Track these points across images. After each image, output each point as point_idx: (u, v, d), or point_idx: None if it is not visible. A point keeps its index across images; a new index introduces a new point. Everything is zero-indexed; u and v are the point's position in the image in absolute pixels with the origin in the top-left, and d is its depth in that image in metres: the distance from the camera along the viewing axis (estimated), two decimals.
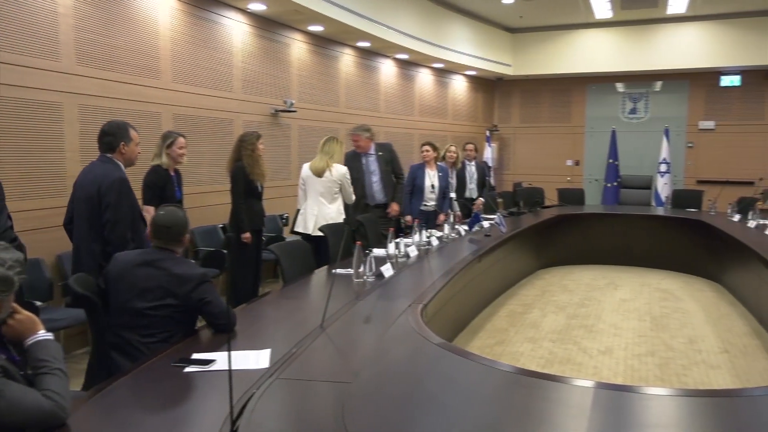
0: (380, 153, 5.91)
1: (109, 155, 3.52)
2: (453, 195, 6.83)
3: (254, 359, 2.35)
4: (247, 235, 4.94)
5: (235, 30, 6.54)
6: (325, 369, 2.41)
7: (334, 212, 5.23)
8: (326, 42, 8.06)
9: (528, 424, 1.94)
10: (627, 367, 4.26)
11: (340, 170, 5.29)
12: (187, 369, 2.27)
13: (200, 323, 2.90)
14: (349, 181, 5.36)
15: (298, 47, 7.55)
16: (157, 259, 2.73)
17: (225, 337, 2.58)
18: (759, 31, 9.88)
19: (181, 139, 4.53)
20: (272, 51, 7.13)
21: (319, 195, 5.24)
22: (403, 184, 6.12)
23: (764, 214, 6.98)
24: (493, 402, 2.15)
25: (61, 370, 1.85)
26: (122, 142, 3.51)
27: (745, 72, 10.61)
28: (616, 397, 2.14)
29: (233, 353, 2.21)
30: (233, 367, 1.85)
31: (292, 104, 7.19)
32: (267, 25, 7.00)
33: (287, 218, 6.63)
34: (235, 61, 6.54)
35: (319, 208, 5.21)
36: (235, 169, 4.97)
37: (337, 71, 8.35)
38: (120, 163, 3.54)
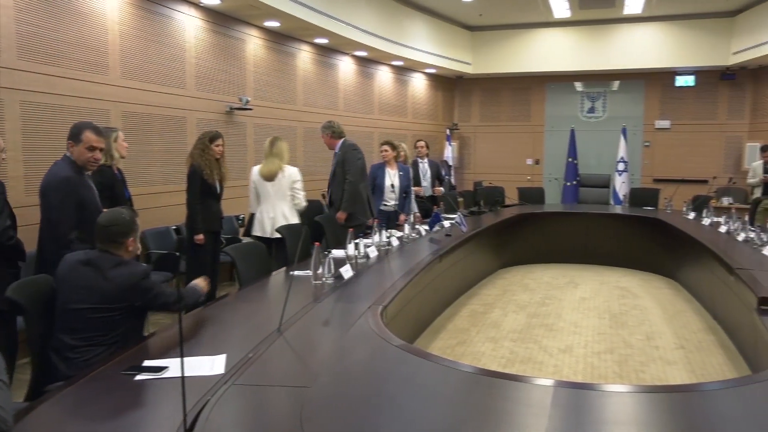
0: (339, 152, 5.85)
1: (68, 153, 3.50)
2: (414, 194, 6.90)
3: (209, 365, 2.32)
4: (200, 236, 4.87)
5: (188, 24, 6.43)
6: (283, 373, 2.39)
7: (289, 212, 5.27)
8: (283, 38, 8.00)
9: (488, 424, 1.97)
10: (587, 364, 4.35)
11: (291, 171, 5.32)
12: (138, 377, 2.23)
13: (152, 329, 2.85)
14: (301, 184, 5.37)
15: (253, 43, 7.47)
16: (95, 259, 2.69)
17: (178, 343, 2.54)
18: (712, 33, 10.24)
19: (120, 133, 4.47)
20: (227, 47, 7.04)
21: (272, 197, 5.27)
22: (348, 188, 5.63)
23: (718, 212, 7.24)
24: (453, 403, 2.17)
25: (3, 381, 1.78)
26: (70, 141, 3.46)
27: (698, 72, 10.98)
28: (575, 395, 2.19)
29: (187, 360, 2.17)
30: (187, 374, 1.82)
31: (247, 102, 7.12)
32: (221, 20, 6.91)
33: (243, 219, 6.56)
34: (187, 56, 6.43)
35: (275, 211, 5.24)
36: (190, 169, 4.91)
37: (294, 68, 8.29)
38: (74, 161, 3.47)
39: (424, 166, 7.62)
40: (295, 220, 5.31)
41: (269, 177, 5.26)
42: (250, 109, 7.20)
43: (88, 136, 3.46)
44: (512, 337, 4.92)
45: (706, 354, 4.56)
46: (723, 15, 10.13)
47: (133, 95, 5.74)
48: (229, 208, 6.19)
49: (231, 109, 7.03)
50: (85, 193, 3.44)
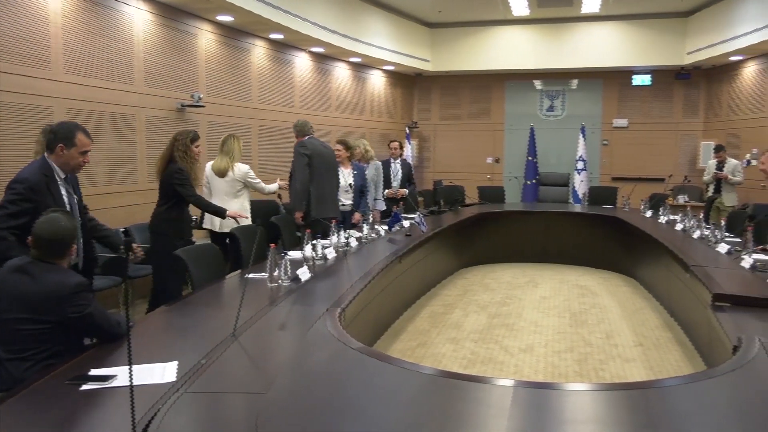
0: None
1: (45, 154, 3.38)
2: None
3: (160, 373, 2.28)
4: (235, 212, 5.06)
5: (136, 18, 6.29)
6: (238, 380, 2.36)
7: (238, 208, 5.41)
8: (237, 33, 7.91)
9: (448, 426, 1.98)
10: (547, 364, 4.43)
11: (242, 169, 5.59)
12: (85, 386, 2.17)
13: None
14: (253, 178, 5.64)
15: (206, 38, 7.36)
16: (27, 266, 2.59)
17: (126, 350, 2.47)
18: (667, 33, 10.56)
19: None
20: (178, 41, 6.92)
21: (222, 193, 5.54)
22: (297, 186, 5.63)
23: (674, 210, 7.46)
24: (413, 405, 2.18)
25: None
26: (61, 144, 3.33)
27: (655, 72, 11.30)
28: (535, 395, 2.23)
29: (136, 367, 2.13)
30: (136, 382, 1.79)
31: (199, 98, 7.01)
32: (171, 13, 6.78)
33: (196, 219, 6.46)
34: (136, 51, 6.30)
35: (223, 206, 5.27)
36: (176, 169, 4.67)
37: (248, 64, 8.21)
38: (52, 165, 3.34)
39: (396, 167, 7.68)
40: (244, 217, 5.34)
41: (219, 173, 5.54)
42: (203, 107, 7.09)
43: (82, 139, 3.36)
44: (473, 338, 4.98)
45: (663, 351, 4.70)
46: (677, 15, 10.46)
47: (77, 91, 5.59)
48: None
49: (182, 106, 6.91)
50: (48, 200, 3.27)
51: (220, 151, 5.61)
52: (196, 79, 7.22)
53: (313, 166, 5.66)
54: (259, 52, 8.39)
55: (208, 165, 5.65)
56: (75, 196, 3.47)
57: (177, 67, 6.91)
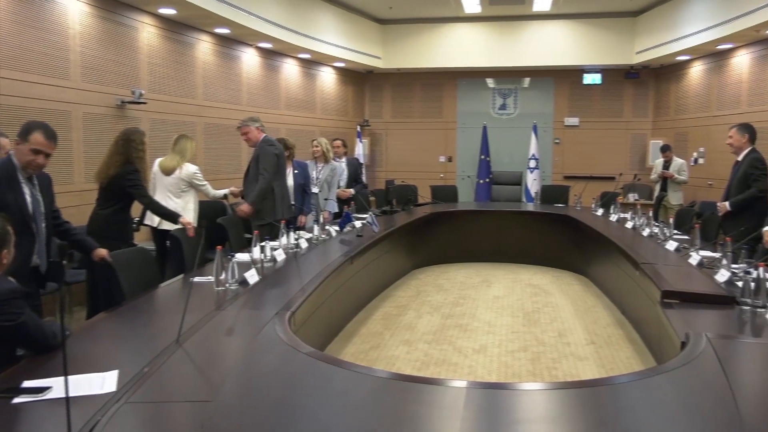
0: (257, 148, 5.76)
1: (11, 150, 3.45)
2: (315, 190, 6.85)
3: (99, 383, 2.22)
4: (187, 221, 4.93)
5: (71, 9, 6.10)
6: (183, 388, 2.32)
7: (180, 208, 5.42)
8: (180, 27, 7.76)
9: (401, 429, 1.99)
10: (501, 364, 4.50)
11: (189, 169, 5.64)
12: (17, 399, 2.09)
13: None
14: (199, 180, 5.69)
15: (147, 31, 7.20)
16: None
17: (62, 359, 2.39)
18: (617, 32, 10.87)
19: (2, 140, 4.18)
20: (117, 35, 6.74)
21: (166, 190, 5.59)
22: (261, 182, 5.54)
23: (624, 208, 7.69)
24: (365, 409, 2.18)
25: None
26: (16, 138, 3.35)
27: (605, 71, 11.62)
28: (488, 395, 2.26)
29: (73, 377, 2.07)
30: (73, 394, 1.73)
31: (141, 95, 6.85)
32: (110, 5, 6.61)
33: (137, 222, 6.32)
34: (72, 44, 6.11)
35: (165, 203, 5.29)
36: (130, 170, 4.62)
37: (193, 59, 8.06)
38: (16, 163, 3.33)
39: (341, 166, 7.64)
40: (186, 216, 5.25)
41: (166, 171, 5.59)
42: (144, 103, 6.93)
43: (36, 137, 3.30)
44: (427, 339, 5.01)
45: (615, 348, 4.83)
46: (626, 15, 10.78)
47: (8, 87, 5.38)
48: None
49: (122, 102, 6.74)
50: (8, 197, 3.25)
51: (172, 149, 5.68)
52: (137, 75, 7.05)
53: (279, 165, 5.67)
54: (204, 47, 8.25)
55: (156, 162, 5.67)
56: (39, 197, 3.41)
57: (116, 62, 6.73)
